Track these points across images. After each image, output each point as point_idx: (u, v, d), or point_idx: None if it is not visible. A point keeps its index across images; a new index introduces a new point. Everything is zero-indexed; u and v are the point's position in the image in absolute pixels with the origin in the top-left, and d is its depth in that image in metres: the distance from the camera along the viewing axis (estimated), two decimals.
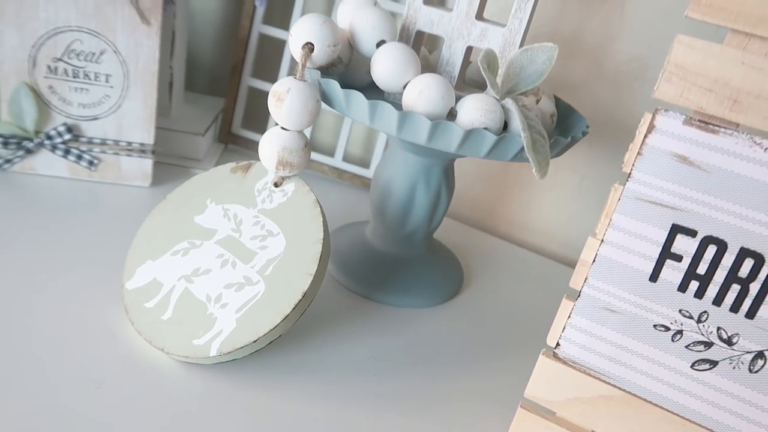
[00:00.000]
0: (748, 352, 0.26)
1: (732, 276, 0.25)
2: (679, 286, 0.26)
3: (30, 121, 0.46)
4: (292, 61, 0.57)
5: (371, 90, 0.37)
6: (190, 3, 0.60)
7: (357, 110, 0.33)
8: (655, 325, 0.27)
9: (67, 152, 0.47)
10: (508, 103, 0.33)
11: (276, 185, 0.35)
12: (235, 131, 0.60)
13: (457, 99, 0.34)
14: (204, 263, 0.34)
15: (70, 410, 0.28)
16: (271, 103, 0.33)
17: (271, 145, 0.33)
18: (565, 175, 0.53)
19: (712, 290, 0.26)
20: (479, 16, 0.36)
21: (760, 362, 0.26)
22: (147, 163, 0.49)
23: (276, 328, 0.31)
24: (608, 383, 0.29)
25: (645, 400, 0.28)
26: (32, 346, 0.31)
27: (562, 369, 0.29)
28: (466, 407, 0.34)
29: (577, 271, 0.28)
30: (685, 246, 0.25)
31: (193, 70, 0.64)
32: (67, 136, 0.46)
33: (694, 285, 0.26)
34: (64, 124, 0.46)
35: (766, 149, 0.24)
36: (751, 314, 0.25)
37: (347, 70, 0.37)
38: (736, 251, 0.25)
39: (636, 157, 0.25)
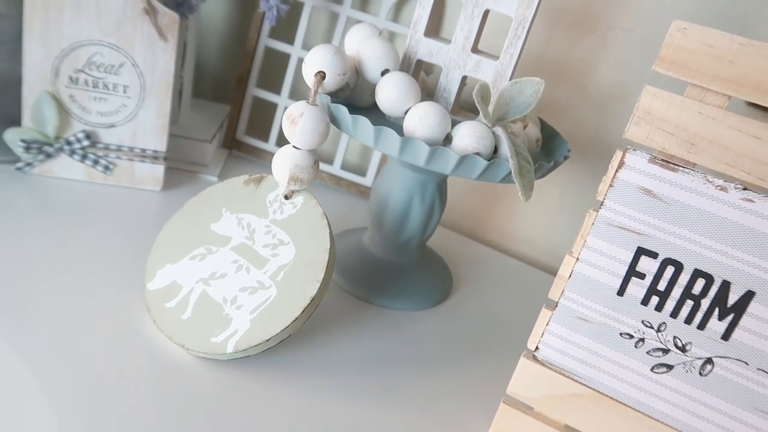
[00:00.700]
0: (698, 359, 0.30)
1: (686, 293, 0.29)
2: (642, 300, 0.30)
3: (51, 128, 0.49)
4: (296, 73, 0.60)
5: (374, 110, 0.41)
6: (200, 14, 0.63)
7: (363, 134, 0.36)
8: (621, 333, 0.31)
9: (84, 157, 0.50)
10: (498, 130, 0.37)
11: (286, 197, 0.39)
12: (240, 138, 0.63)
13: (453, 122, 0.38)
14: (220, 268, 0.37)
15: (99, 401, 0.32)
16: (285, 125, 0.36)
17: (284, 162, 0.37)
18: (549, 189, 0.57)
19: (670, 304, 0.30)
20: (474, 48, 0.40)
21: (709, 367, 0.30)
22: (159, 169, 0.52)
23: (286, 329, 0.35)
24: (580, 383, 0.33)
25: (611, 398, 0.32)
26: (60, 342, 0.35)
27: (540, 369, 0.33)
28: (452, 402, 0.38)
29: (555, 284, 0.32)
30: (647, 266, 0.30)
31: (198, 77, 0.67)
32: (86, 143, 0.49)
33: (654, 299, 0.30)
34: (83, 130, 0.49)
35: (717, 186, 0.28)
36: (702, 326, 0.29)
37: (353, 93, 0.41)
38: (691, 272, 0.29)
39: (608, 189, 0.29)
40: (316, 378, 0.37)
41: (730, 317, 0.29)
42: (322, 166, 0.61)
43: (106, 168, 0.51)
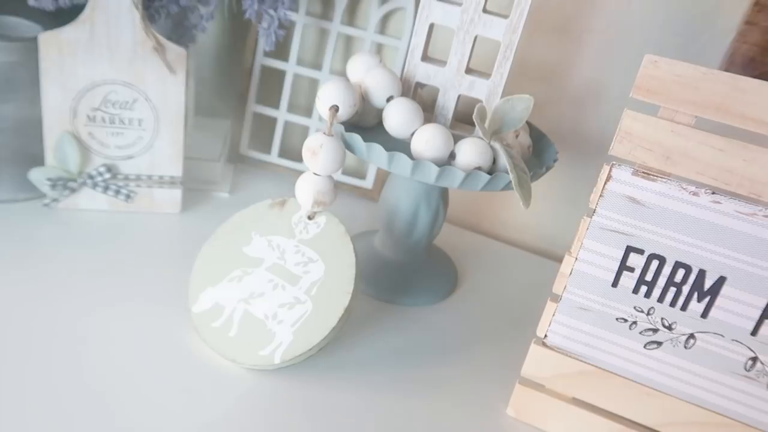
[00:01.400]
0: (683, 335, 0.35)
1: (670, 281, 0.34)
2: (633, 289, 0.35)
3: (73, 165, 0.52)
4: (293, 88, 0.64)
5: (379, 129, 0.45)
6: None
7: (377, 158, 0.41)
8: (616, 318, 0.36)
9: (106, 188, 0.53)
10: (496, 145, 0.41)
11: (309, 218, 0.43)
12: (243, 152, 0.66)
13: (454, 137, 0.42)
14: (258, 287, 0.42)
15: (167, 418, 0.36)
16: (307, 156, 0.40)
17: (308, 188, 0.41)
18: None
19: (657, 292, 0.35)
20: (467, 70, 0.44)
21: (692, 341, 0.35)
22: (176, 193, 0.56)
23: (326, 338, 0.39)
24: (584, 362, 0.38)
25: (611, 372, 0.38)
26: (120, 369, 0.39)
27: (549, 353, 0.39)
28: (472, 386, 0.43)
29: (557, 280, 0.37)
30: (635, 261, 0.35)
31: (195, 95, 0.70)
32: (107, 175, 0.53)
33: (643, 288, 0.35)
34: (104, 164, 0.53)
35: (690, 192, 0.33)
36: (684, 307, 0.35)
37: (359, 117, 0.45)
38: (672, 264, 0.34)
39: (599, 198, 0.34)
40: (351, 376, 0.42)
41: (707, 299, 0.34)
42: None
43: (128, 197, 0.54)
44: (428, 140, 0.40)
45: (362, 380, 0.42)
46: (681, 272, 0.34)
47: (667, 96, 0.32)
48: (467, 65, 0.44)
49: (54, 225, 0.51)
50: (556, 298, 0.37)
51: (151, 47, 0.50)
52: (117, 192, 0.54)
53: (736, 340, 0.34)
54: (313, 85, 0.66)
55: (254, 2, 0.51)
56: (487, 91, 0.44)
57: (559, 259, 0.37)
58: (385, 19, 0.61)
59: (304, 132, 0.67)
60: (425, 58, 0.45)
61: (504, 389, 0.43)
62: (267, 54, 0.63)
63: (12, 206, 0.52)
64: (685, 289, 0.34)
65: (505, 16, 0.42)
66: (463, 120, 0.49)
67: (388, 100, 0.43)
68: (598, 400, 0.39)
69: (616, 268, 0.35)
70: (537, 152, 0.49)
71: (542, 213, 0.63)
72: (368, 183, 0.65)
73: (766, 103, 0.30)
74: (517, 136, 0.45)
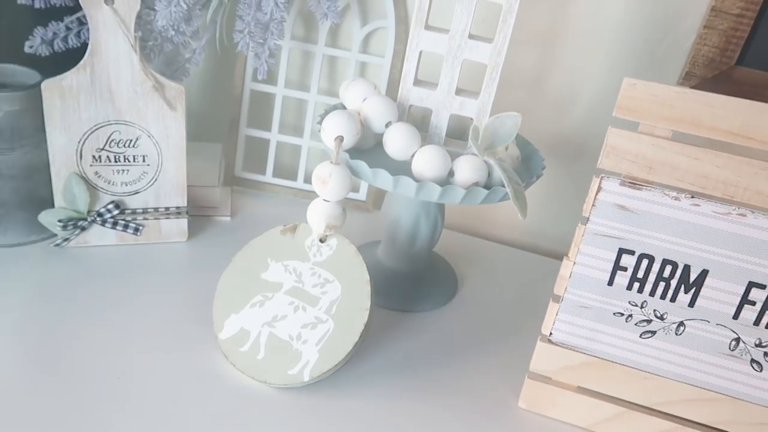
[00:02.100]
0: (674, 323, 0.39)
1: (659, 277, 0.38)
2: (627, 286, 0.39)
3: (82, 204, 0.53)
4: (282, 110, 0.66)
5: (377, 150, 0.47)
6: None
7: (383, 182, 0.44)
8: (614, 313, 0.40)
9: (115, 224, 0.55)
10: (490, 160, 0.45)
11: (321, 241, 0.46)
12: (238, 174, 0.68)
13: (450, 155, 0.45)
14: (280, 311, 0.44)
15: None
16: (317, 185, 0.43)
17: (319, 214, 0.44)
18: None
19: (648, 287, 0.39)
20: (457, 91, 0.47)
21: (682, 328, 0.39)
22: (183, 222, 0.58)
23: (349, 353, 0.42)
24: (587, 354, 0.42)
25: (612, 361, 0.41)
26: (157, 399, 0.41)
27: (555, 349, 0.42)
28: (484, 382, 0.47)
29: (558, 282, 0.41)
30: (627, 261, 0.39)
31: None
32: (116, 212, 0.54)
33: (636, 285, 0.39)
34: (111, 201, 0.54)
35: (672, 197, 0.37)
36: (673, 299, 0.39)
37: (359, 141, 0.48)
38: (660, 261, 0.38)
39: (591, 208, 0.38)
40: (373, 384, 0.45)
41: (693, 290, 0.38)
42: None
43: (136, 230, 0.56)
44: (428, 161, 0.44)
45: (383, 386, 0.45)
46: (668, 268, 0.38)
47: (646, 114, 0.36)
48: (457, 87, 0.47)
49: (68, 263, 0.53)
50: (558, 299, 0.41)
51: (150, 86, 0.52)
52: (125, 227, 0.56)
53: (721, 324, 0.38)
54: (301, 105, 0.69)
55: (245, 36, 0.53)
56: (476, 110, 0.47)
57: (546, 253, 0.41)
58: (367, 38, 0.64)
59: (295, 150, 0.69)
60: (417, 82, 0.48)
61: (513, 383, 0.46)
62: (255, 79, 0.65)
63: (24, 249, 0.54)
64: (673, 282, 0.38)
65: (490, 40, 0.45)
66: (453, 135, 0.52)
67: (387, 125, 0.45)
68: (601, 386, 0.43)
69: (611, 269, 0.39)
70: (524, 159, 0.53)
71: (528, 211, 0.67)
72: (362, 195, 0.68)
73: (732, 116, 0.34)
74: (506, 149, 0.49)
